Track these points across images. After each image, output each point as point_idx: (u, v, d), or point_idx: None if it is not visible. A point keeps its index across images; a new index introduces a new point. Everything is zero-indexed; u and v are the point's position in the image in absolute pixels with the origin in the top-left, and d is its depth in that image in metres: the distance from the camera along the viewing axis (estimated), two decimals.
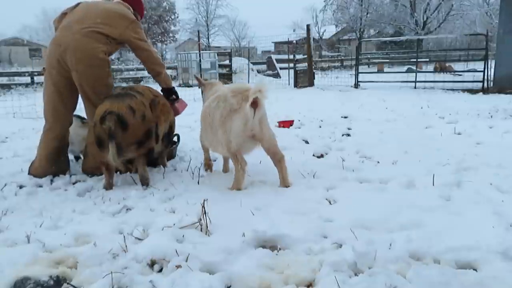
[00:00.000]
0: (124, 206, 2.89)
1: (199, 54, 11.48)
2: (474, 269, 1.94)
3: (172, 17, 37.36)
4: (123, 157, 3.23)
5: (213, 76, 16.26)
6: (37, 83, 14.83)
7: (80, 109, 3.70)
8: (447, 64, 18.54)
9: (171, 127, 3.81)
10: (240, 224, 2.43)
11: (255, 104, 2.79)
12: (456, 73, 15.45)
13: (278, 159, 3.10)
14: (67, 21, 3.51)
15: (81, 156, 3.94)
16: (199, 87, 4.02)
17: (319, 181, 3.29)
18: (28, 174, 3.63)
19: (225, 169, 3.71)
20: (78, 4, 3.67)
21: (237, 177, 3.08)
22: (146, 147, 3.36)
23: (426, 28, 30.16)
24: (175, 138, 4.40)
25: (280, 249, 2.22)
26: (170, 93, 3.91)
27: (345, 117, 6.67)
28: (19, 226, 2.56)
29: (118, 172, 3.58)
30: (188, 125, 6.12)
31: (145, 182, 3.35)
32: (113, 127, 3.03)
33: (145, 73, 17.79)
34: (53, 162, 3.60)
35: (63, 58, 3.37)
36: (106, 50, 3.45)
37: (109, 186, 3.32)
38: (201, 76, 11.18)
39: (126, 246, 2.20)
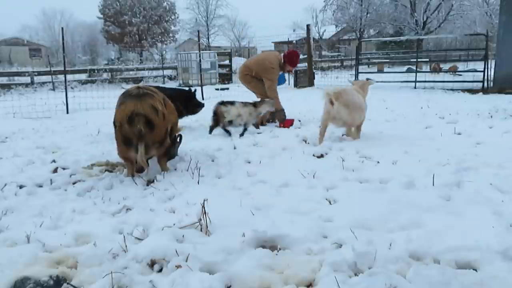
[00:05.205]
0: (124, 206, 2.89)
1: (199, 54, 11.45)
2: (474, 269, 1.95)
3: (172, 17, 37.28)
4: (148, 156, 3.44)
5: (213, 76, 16.28)
6: (37, 83, 14.80)
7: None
8: (452, 64, 18.58)
9: (173, 127, 3.85)
10: (240, 224, 2.43)
11: (331, 102, 4.50)
12: (456, 73, 15.45)
13: (348, 131, 4.99)
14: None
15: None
16: None
17: (319, 181, 3.29)
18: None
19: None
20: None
21: (319, 136, 4.75)
22: (166, 145, 3.58)
23: (426, 28, 30.13)
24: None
25: (280, 249, 2.22)
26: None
27: None
28: (19, 226, 2.56)
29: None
30: (188, 125, 6.12)
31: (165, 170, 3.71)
32: (143, 129, 3.19)
33: (145, 73, 17.78)
34: None
35: None
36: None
37: (132, 174, 3.58)
38: (201, 76, 11.19)
39: (126, 246, 2.20)
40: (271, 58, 6.14)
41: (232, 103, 5.44)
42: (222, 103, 5.41)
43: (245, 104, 5.52)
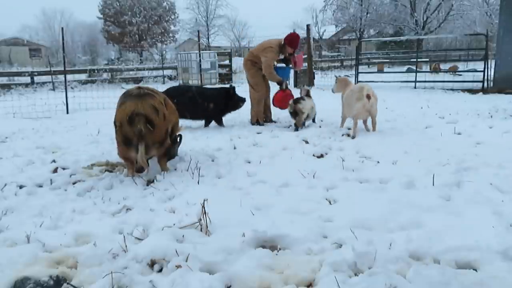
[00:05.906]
0: (124, 206, 2.89)
1: (199, 54, 11.46)
2: (474, 269, 1.95)
3: (172, 17, 37.26)
4: (148, 156, 3.45)
5: (213, 76, 16.27)
6: (37, 83, 14.79)
7: None
8: (452, 64, 18.61)
9: (173, 128, 3.85)
10: (240, 224, 2.43)
11: (368, 96, 4.98)
12: (456, 73, 15.46)
13: (374, 124, 5.35)
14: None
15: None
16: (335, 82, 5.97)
17: (319, 181, 3.29)
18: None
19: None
20: None
21: (353, 129, 5.13)
22: (166, 145, 3.59)
23: (426, 28, 30.11)
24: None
25: (280, 249, 2.22)
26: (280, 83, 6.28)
27: None
28: (19, 226, 2.56)
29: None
30: (188, 125, 6.12)
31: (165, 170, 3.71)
32: (143, 129, 3.19)
33: (145, 73, 17.77)
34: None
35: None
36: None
37: (132, 174, 3.57)
38: (201, 76, 11.18)
39: (126, 246, 2.20)
40: (272, 41, 6.44)
41: (303, 98, 5.82)
42: (296, 101, 5.72)
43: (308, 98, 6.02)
